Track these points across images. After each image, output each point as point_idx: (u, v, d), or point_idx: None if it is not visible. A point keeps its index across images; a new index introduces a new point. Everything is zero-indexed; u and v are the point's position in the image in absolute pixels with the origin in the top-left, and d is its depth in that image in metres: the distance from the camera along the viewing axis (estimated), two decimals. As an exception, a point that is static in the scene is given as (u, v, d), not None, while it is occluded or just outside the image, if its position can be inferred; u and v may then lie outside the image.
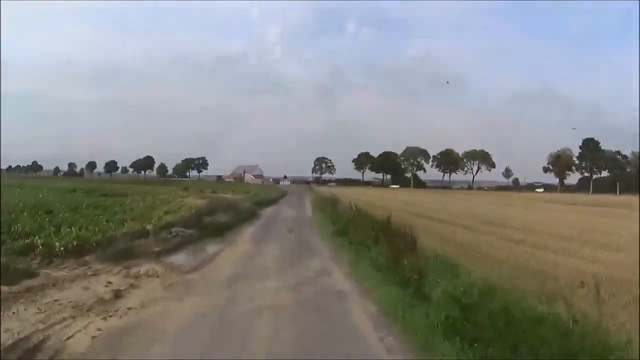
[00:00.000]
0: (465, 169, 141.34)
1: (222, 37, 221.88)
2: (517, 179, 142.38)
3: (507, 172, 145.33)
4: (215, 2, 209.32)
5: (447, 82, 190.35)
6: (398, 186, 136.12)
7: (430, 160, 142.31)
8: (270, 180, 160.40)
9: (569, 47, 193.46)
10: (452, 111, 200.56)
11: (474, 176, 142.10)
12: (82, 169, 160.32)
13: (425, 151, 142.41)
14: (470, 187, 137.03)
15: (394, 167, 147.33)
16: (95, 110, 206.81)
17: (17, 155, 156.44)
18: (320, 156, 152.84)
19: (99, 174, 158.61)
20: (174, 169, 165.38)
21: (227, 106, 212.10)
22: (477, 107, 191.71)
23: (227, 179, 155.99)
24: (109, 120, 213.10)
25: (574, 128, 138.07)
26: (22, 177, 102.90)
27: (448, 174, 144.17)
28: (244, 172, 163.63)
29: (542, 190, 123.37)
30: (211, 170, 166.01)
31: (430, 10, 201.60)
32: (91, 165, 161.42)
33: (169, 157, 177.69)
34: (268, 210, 33.19)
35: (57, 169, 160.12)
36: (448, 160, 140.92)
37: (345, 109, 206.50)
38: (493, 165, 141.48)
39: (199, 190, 52.36)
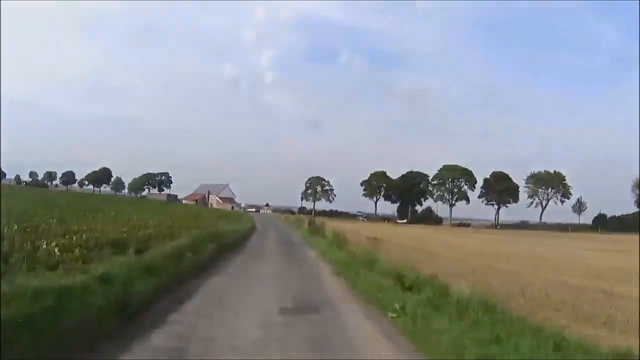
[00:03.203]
0: (534, 200, 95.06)
1: (210, 58, 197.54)
2: (604, 215, 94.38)
3: (580, 206, 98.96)
4: (208, 24, 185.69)
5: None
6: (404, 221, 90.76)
7: (480, 187, 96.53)
8: (242, 205, 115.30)
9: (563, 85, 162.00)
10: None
11: (543, 209, 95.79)
12: (44, 181, 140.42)
13: (470, 172, 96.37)
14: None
15: (419, 194, 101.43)
16: (59, 118, 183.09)
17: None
18: (315, 175, 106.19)
19: (56, 185, 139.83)
20: (129, 184, 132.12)
21: (208, 129, 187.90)
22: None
23: (184, 201, 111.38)
24: (71, 129, 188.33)
25: None
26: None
27: (497, 208, 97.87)
28: (209, 193, 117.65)
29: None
30: (177, 190, 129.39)
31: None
32: (50, 176, 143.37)
33: (130, 172, 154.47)
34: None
35: (18, 178, 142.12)
36: (504, 187, 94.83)
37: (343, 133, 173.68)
38: (567, 196, 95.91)
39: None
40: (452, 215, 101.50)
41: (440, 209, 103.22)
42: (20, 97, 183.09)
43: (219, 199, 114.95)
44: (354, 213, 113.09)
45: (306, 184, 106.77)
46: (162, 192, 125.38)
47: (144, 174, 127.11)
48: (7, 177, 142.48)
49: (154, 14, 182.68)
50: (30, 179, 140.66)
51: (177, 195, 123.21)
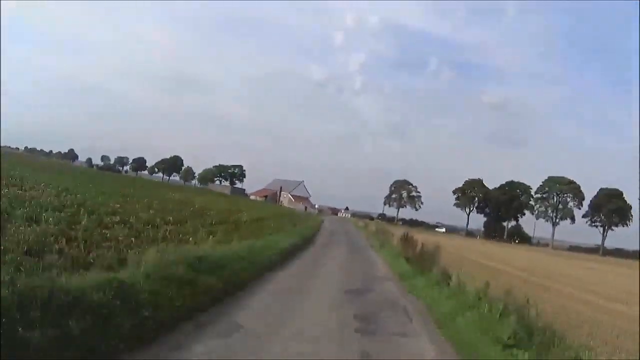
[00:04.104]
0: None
1: (298, 58, 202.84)
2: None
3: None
4: (299, 24, 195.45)
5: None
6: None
7: (587, 204, 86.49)
8: (317, 207, 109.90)
9: None
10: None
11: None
12: (115, 166, 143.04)
13: (578, 186, 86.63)
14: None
15: (518, 209, 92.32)
16: (139, 105, 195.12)
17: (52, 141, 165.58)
18: (402, 179, 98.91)
19: (126, 171, 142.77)
20: (200, 174, 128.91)
21: (290, 128, 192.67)
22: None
23: (252, 196, 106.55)
24: (148, 118, 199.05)
25: None
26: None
27: (603, 231, 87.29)
28: (280, 189, 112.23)
29: None
30: (248, 185, 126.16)
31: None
32: (121, 161, 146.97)
33: (204, 164, 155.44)
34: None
35: (90, 161, 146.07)
36: (615, 207, 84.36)
37: (428, 142, 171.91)
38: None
39: None
40: (535, 235, 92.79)
41: (528, 226, 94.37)
42: (101, 84, 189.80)
43: (291, 197, 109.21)
44: (433, 224, 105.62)
45: (390, 187, 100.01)
46: (233, 186, 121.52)
47: (216, 165, 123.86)
48: (79, 159, 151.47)
49: (241, 10, 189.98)
50: (102, 163, 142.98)
51: (244, 190, 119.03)
